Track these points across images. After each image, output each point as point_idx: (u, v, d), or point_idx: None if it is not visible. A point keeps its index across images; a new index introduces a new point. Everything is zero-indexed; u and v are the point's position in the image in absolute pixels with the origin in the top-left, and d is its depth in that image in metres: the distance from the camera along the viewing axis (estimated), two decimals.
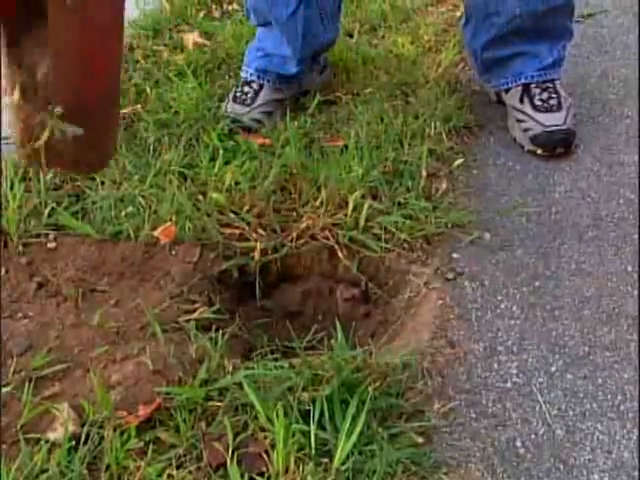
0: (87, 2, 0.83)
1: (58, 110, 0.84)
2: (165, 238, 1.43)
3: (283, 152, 1.62)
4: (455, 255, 1.46)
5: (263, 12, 1.77)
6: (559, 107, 1.72)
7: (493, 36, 1.74)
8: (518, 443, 1.16)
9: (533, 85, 1.76)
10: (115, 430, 1.11)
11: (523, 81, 1.76)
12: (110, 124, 0.93)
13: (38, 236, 1.45)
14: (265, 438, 1.10)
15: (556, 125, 1.69)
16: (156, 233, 1.45)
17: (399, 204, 1.52)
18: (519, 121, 1.73)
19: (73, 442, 1.10)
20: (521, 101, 1.75)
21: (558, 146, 1.69)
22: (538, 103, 1.73)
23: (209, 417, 1.15)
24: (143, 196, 1.53)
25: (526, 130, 1.71)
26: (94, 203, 1.54)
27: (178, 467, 1.09)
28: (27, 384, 1.17)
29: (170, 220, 1.48)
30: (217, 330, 1.26)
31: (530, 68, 1.76)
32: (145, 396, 1.16)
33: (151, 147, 1.67)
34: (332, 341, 1.22)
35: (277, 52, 1.80)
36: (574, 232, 1.52)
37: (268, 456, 1.08)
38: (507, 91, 1.80)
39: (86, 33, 0.85)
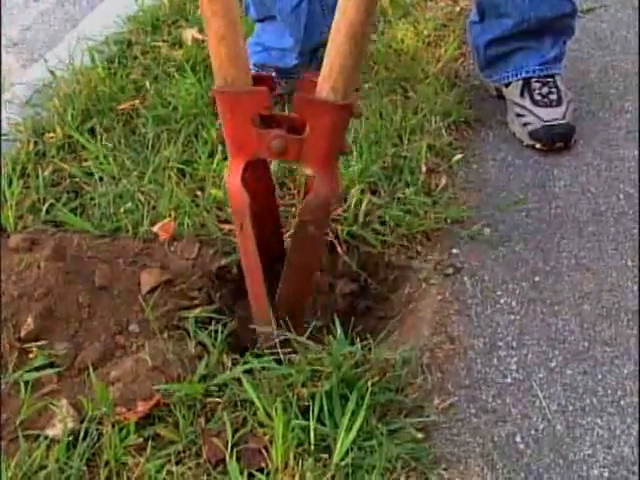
0: (321, 230, 1.13)
1: None
2: (164, 234, 1.43)
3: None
4: (455, 250, 1.46)
5: (266, 5, 1.77)
6: (559, 102, 1.72)
7: (499, 35, 1.75)
8: (518, 438, 1.15)
9: (534, 79, 1.76)
10: (114, 426, 1.11)
11: (524, 75, 1.76)
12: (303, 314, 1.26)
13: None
14: (264, 434, 1.10)
15: (555, 120, 1.69)
16: (155, 229, 1.45)
17: (398, 199, 1.51)
18: (519, 115, 1.73)
19: (72, 438, 1.10)
20: (521, 95, 1.75)
21: (557, 141, 1.69)
22: (538, 98, 1.73)
23: (208, 413, 1.15)
24: (142, 192, 1.53)
25: (525, 125, 1.71)
26: (93, 199, 1.54)
27: (177, 463, 1.09)
28: (26, 380, 1.17)
29: (169, 216, 1.47)
30: (216, 326, 1.26)
31: (532, 62, 1.76)
32: (144, 392, 1.16)
33: (150, 143, 1.67)
34: (331, 337, 1.21)
35: (276, 45, 1.79)
36: (574, 227, 1.52)
37: (267, 452, 1.08)
38: (507, 85, 1.80)
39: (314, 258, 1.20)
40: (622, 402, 1.20)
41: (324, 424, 1.11)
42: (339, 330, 1.22)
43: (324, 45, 1.85)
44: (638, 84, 1.88)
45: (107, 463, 1.08)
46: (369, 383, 1.14)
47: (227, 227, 1.46)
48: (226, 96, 1.07)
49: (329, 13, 1.77)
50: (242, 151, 1.10)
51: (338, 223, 1.46)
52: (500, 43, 1.76)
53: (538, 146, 1.70)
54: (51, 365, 1.21)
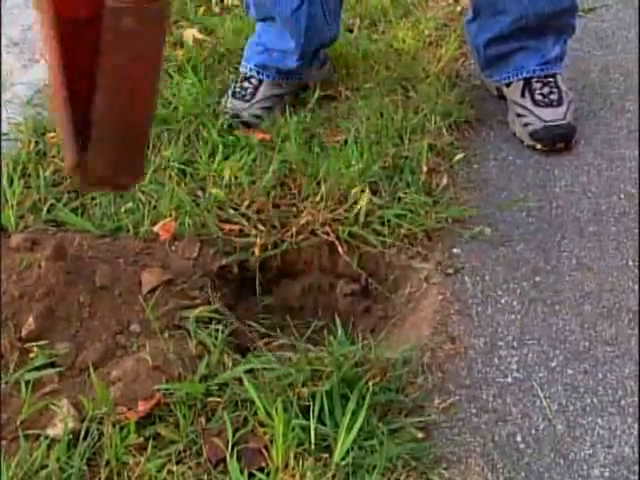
0: (138, 32, 0.89)
1: None
2: (165, 233, 1.43)
3: (283, 147, 1.62)
4: (455, 250, 1.46)
5: (266, 7, 1.76)
6: (560, 102, 1.72)
7: (498, 33, 1.74)
8: (518, 438, 1.15)
9: (534, 79, 1.75)
10: (115, 426, 1.11)
11: (525, 75, 1.76)
12: (143, 147, 1.00)
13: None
14: (265, 433, 1.10)
15: (556, 120, 1.68)
16: (156, 229, 1.45)
17: (399, 199, 1.51)
18: (519, 116, 1.73)
19: (73, 438, 1.10)
20: (522, 95, 1.75)
21: (557, 141, 1.68)
22: (539, 98, 1.73)
23: (209, 413, 1.15)
24: (143, 192, 1.53)
25: (526, 125, 1.71)
26: (93, 199, 1.54)
27: (178, 462, 1.09)
28: (27, 380, 1.18)
29: (170, 216, 1.47)
30: (217, 326, 1.26)
31: (532, 62, 1.75)
32: (145, 392, 1.16)
33: (150, 143, 1.67)
34: (332, 336, 1.22)
35: (277, 47, 1.79)
36: (575, 227, 1.52)
37: (268, 451, 1.08)
38: (508, 85, 1.79)
39: (133, 60, 0.92)
40: (623, 402, 1.20)
41: (324, 424, 1.11)
42: (340, 330, 1.23)
43: (325, 46, 1.87)
44: (639, 84, 1.88)
45: (108, 463, 1.08)
46: (370, 383, 1.14)
47: (228, 227, 1.47)
48: None
49: (330, 16, 1.78)
50: None
51: (339, 223, 1.46)
52: (500, 42, 1.76)
53: (539, 147, 1.69)
54: (52, 365, 1.21)
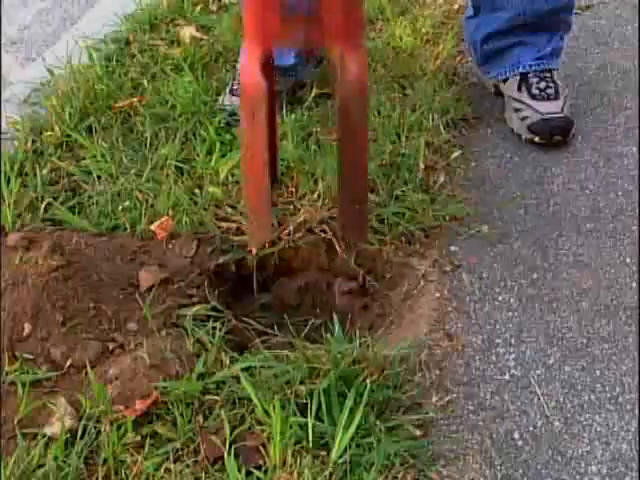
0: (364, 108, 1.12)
1: None
2: (162, 232, 1.43)
3: (280, 145, 1.62)
4: (453, 248, 1.46)
5: None
6: (557, 96, 1.72)
7: (495, 30, 1.75)
8: (516, 435, 1.16)
9: (531, 74, 1.76)
10: (112, 424, 1.11)
11: (521, 70, 1.76)
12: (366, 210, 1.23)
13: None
14: (262, 431, 1.10)
15: (554, 113, 1.69)
16: (153, 227, 1.45)
17: (397, 197, 1.51)
18: (517, 110, 1.73)
19: (70, 436, 1.11)
20: (519, 90, 1.75)
21: (555, 134, 1.68)
22: (535, 92, 1.73)
23: (206, 411, 1.15)
24: (140, 190, 1.53)
25: (524, 118, 1.71)
26: (91, 198, 1.54)
27: (175, 461, 1.09)
28: (24, 379, 1.17)
29: (167, 214, 1.47)
30: (214, 324, 1.26)
31: (528, 57, 1.76)
32: (142, 390, 1.16)
33: (148, 141, 1.66)
34: (329, 334, 1.21)
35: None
36: (572, 224, 1.51)
37: (265, 449, 1.08)
38: (505, 81, 1.79)
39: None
40: (620, 399, 1.20)
41: (322, 421, 1.11)
42: (337, 327, 1.23)
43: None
44: (638, 81, 1.88)
45: (105, 461, 1.08)
46: (367, 380, 1.14)
47: (225, 225, 1.46)
48: None
49: None
50: (263, 37, 1.09)
51: (336, 221, 1.45)
52: (497, 38, 1.76)
53: (537, 139, 1.69)
54: (49, 363, 1.21)
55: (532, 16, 1.70)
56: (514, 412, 1.18)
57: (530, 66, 1.76)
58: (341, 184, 1.16)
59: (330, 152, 1.59)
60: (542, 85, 1.74)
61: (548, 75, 1.76)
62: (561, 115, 1.69)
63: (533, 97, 1.72)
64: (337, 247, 1.43)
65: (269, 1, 1.06)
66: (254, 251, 1.41)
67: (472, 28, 1.81)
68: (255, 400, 1.12)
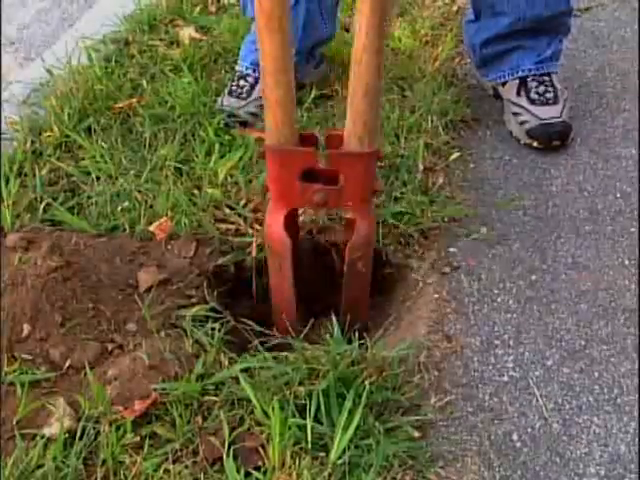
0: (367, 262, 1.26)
1: None
2: (161, 233, 1.43)
3: None
4: (452, 249, 1.46)
5: None
6: (555, 100, 1.72)
7: (495, 34, 1.75)
8: (515, 437, 1.16)
9: (530, 78, 1.76)
10: (111, 425, 1.11)
11: (520, 74, 1.76)
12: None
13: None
14: (261, 432, 1.10)
15: (552, 118, 1.69)
16: (151, 228, 1.45)
17: (396, 198, 1.51)
18: (515, 114, 1.73)
19: (69, 437, 1.10)
20: (518, 94, 1.75)
21: (554, 139, 1.69)
22: (534, 96, 1.73)
23: (205, 412, 1.15)
24: (139, 191, 1.53)
25: (522, 123, 1.71)
26: (90, 198, 1.54)
27: (174, 462, 1.09)
28: (23, 379, 1.17)
29: (166, 215, 1.47)
30: (213, 325, 1.26)
31: (527, 61, 1.76)
32: (141, 391, 1.16)
33: (147, 142, 1.67)
34: (328, 335, 1.21)
35: None
36: (571, 226, 1.52)
37: (264, 450, 1.08)
38: (504, 84, 1.80)
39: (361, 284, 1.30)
40: (618, 400, 1.20)
41: (321, 423, 1.11)
42: (336, 328, 1.23)
43: (321, 44, 1.87)
44: (638, 84, 1.88)
45: (104, 462, 1.08)
46: (366, 382, 1.14)
47: (224, 226, 1.47)
48: (278, 154, 1.18)
49: (327, 14, 1.78)
50: (286, 201, 1.21)
51: (335, 222, 1.46)
52: (496, 42, 1.76)
53: (535, 144, 1.70)
54: (48, 364, 1.21)
55: (532, 21, 1.70)
56: (513, 413, 1.19)
57: (529, 70, 1.76)
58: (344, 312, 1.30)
59: None
60: (541, 89, 1.74)
61: (547, 79, 1.76)
62: (559, 120, 1.69)
63: (532, 102, 1.72)
64: (336, 248, 1.43)
65: (288, 169, 1.17)
66: (254, 252, 1.41)
67: (472, 32, 1.82)
68: (254, 401, 1.12)
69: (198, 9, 2.24)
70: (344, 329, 1.25)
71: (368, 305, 1.35)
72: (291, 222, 1.26)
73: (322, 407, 1.11)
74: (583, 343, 1.29)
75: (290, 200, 1.21)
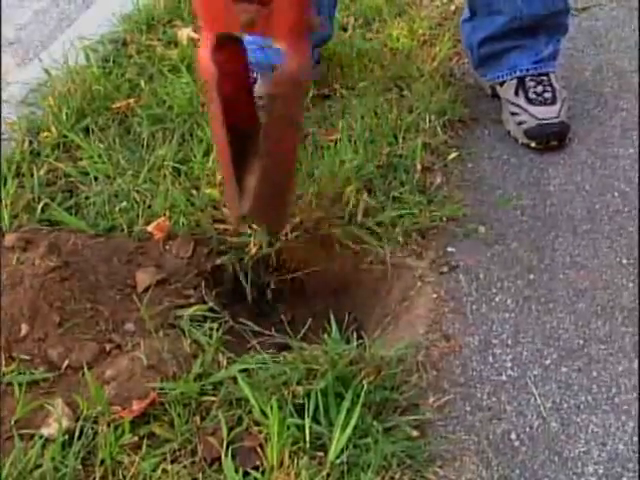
0: (292, 106, 1.12)
1: None
2: (159, 233, 1.43)
3: None
4: (450, 249, 1.46)
5: None
6: (553, 100, 1.72)
7: (492, 33, 1.75)
8: (513, 436, 1.16)
9: (528, 78, 1.76)
10: (109, 425, 1.11)
11: (518, 74, 1.76)
12: (288, 200, 1.26)
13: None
14: (260, 432, 1.10)
15: (550, 118, 1.69)
16: (149, 228, 1.44)
17: (394, 198, 1.51)
18: (513, 114, 1.73)
19: (67, 437, 1.10)
20: (516, 94, 1.75)
21: (552, 139, 1.69)
22: (532, 96, 1.73)
23: (203, 412, 1.15)
24: (137, 191, 1.53)
25: (520, 123, 1.71)
26: (88, 198, 1.54)
27: (173, 462, 1.09)
28: (21, 379, 1.17)
29: (164, 215, 1.47)
30: (211, 325, 1.26)
31: (525, 61, 1.76)
32: (139, 391, 1.16)
33: (145, 142, 1.66)
34: (327, 335, 1.22)
35: (271, 44, 1.78)
36: (569, 225, 1.52)
37: (263, 450, 1.08)
38: (502, 84, 1.80)
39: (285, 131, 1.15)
40: (617, 399, 1.20)
41: (319, 422, 1.11)
42: (334, 328, 1.23)
43: (319, 45, 1.87)
44: (638, 83, 1.88)
45: (102, 462, 1.08)
46: (364, 381, 1.14)
47: (222, 226, 1.46)
48: None
49: (324, 15, 1.78)
50: (213, 24, 1.12)
51: (333, 222, 1.46)
52: (494, 41, 1.76)
53: (533, 145, 1.70)
54: (46, 364, 1.21)
55: (529, 20, 1.70)
56: (511, 413, 1.19)
57: (527, 70, 1.76)
58: (262, 178, 1.16)
59: (328, 153, 1.59)
60: (539, 89, 1.74)
61: (545, 79, 1.76)
62: (557, 120, 1.69)
63: (530, 102, 1.72)
64: (334, 248, 1.43)
65: None
66: (253, 251, 1.41)
67: (469, 31, 1.81)
68: (252, 401, 1.12)
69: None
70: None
71: (289, 203, 1.24)
72: (230, 56, 1.16)
73: (320, 407, 1.11)
74: (581, 342, 1.29)
75: (218, 23, 1.11)
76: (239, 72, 1.22)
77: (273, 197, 1.19)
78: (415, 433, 1.13)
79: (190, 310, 1.29)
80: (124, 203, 1.51)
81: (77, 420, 1.13)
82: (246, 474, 1.07)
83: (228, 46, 1.15)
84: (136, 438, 1.11)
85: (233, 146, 1.15)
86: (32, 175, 1.57)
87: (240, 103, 1.20)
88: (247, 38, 1.84)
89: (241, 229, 1.28)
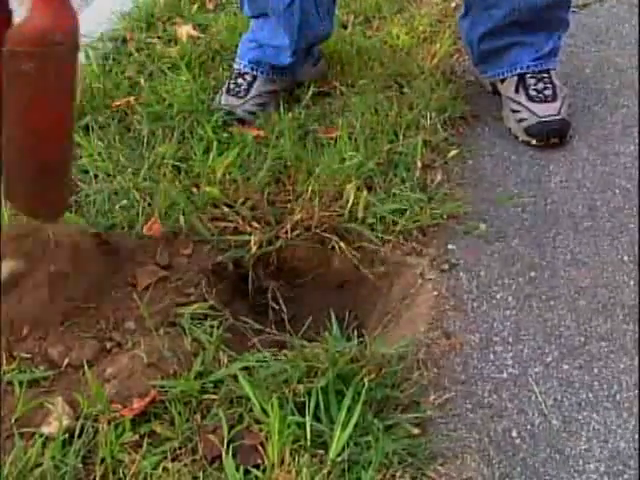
0: (38, 74, 0.91)
1: None
2: (150, 233, 1.42)
3: (277, 144, 1.62)
4: (450, 246, 1.46)
5: (259, 3, 1.76)
6: (554, 98, 1.72)
7: (491, 28, 1.74)
8: (514, 433, 1.16)
9: (529, 75, 1.75)
10: (110, 423, 1.11)
11: (519, 71, 1.76)
12: (60, 183, 1.02)
13: None
14: (260, 430, 1.10)
15: (551, 115, 1.69)
16: (144, 230, 1.44)
17: (394, 195, 1.51)
18: (514, 111, 1.73)
19: (67, 436, 1.10)
20: (516, 91, 1.75)
21: (552, 136, 1.69)
22: (533, 93, 1.73)
23: (204, 410, 1.15)
24: (137, 189, 1.53)
25: (521, 120, 1.71)
26: (88, 196, 1.53)
27: (173, 460, 1.08)
28: (21, 378, 1.17)
29: (164, 213, 1.47)
30: (212, 322, 1.26)
31: (526, 58, 1.75)
32: (140, 389, 1.15)
33: (145, 140, 1.66)
34: (327, 333, 1.21)
35: (271, 43, 1.79)
36: (569, 222, 1.52)
37: (263, 448, 1.08)
38: (502, 81, 1.79)
39: (36, 101, 0.93)
40: (618, 397, 1.20)
41: (320, 420, 1.11)
42: (335, 326, 1.22)
43: (319, 42, 1.86)
44: (638, 80, 1.88)
45: (103, 460, 1.08)
46: (365, 379, 1.14)
47: (222, 224, 1.46)
48: None
49: (324, 12, 1.78)
50: None
51: (333, 219, 1.45)
52: (493, 37, 1.75)
53: (533, 142, 1.70)
54: (46, 362, 1.21)
55: (527, 12, 1.68)
56: (512, 410, 1.18)
57: (528, 67, 1.75)
58: (13, 152, 0.97)
59: (328, 151, 1.59)
60: (540, 86, 1.74)
61: (546, 76, 1.75)
62: (558, 118, 1.69)
63: (530, 99, 1.72)
64: (335, 246, 1.43)
65: None
66: (254, 249, 1.41)
67: (468, 27, 1.81)
68: (253, 399, 1.12)
69: (196, 7, 2.24)
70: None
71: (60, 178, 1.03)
72: None
73: (321, 405, 1.11)
74: (582, 340, 1.29)
75: None
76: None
77: (37, 181, 1.01)
78: (416, 431, 1.13)
79: (191, 308, 1.29)
80: (124, 201, 1.51)
81: (77, 418, 1.12)
82: (247, 472, 1.07)
83: None
84: (137, 436, 1.10)
85: None
86: None
87: None
88: (247, 37, 1.86)
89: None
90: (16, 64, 0.93)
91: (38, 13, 0.94)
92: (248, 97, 1.79)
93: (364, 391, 1.11)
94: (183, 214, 1.46)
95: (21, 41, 0.93)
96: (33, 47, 0.93)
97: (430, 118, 1.70)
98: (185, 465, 1.08)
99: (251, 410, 1.12)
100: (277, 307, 1.42)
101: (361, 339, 1.23)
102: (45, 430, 1.11)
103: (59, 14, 0.95)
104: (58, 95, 0.97)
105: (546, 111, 1.69)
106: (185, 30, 2.08)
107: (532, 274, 1.41)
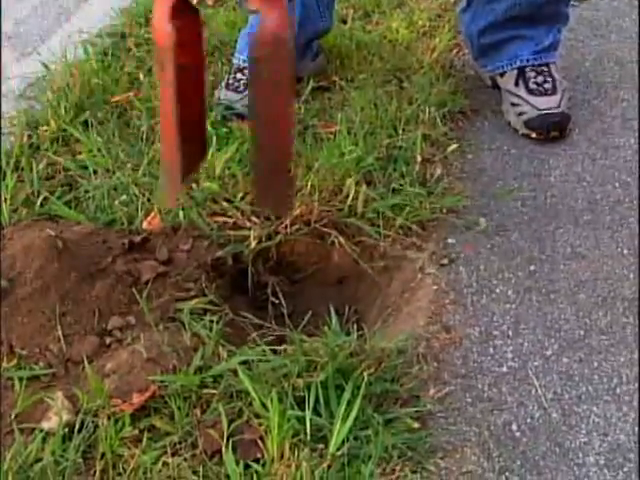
0: (276, 72, 1.04)
1: None
2: (149, 227, 1.42)
3: None
4: (450, 240, 1.46)
5: None
6: (554, 91, 1.71)
7: (492, 21, 1.74)
8: (514, 427, 1.16)
9: (528, 68, 1.75)
10: (109, 418, 1.11)
11: (519, 64, 1.76)
12: (291, 177, 1.13)
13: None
14: (260, 425, 1.10)
15: (551, 109, 1.68)
16: (144, 225, 1.44)
17: (394, 190, 1.51)
18: (514, 105, 1.73)
19: (67, 431, 1.10)
20: (516, 85, 1.74)
21: (552, 130, 1.68)
22: (533, 87, 1.73)
23: (204, 404, 1.15)
24: (136, 184, 1.53)
25: (520, 114, 1.71)
26: (87, 192, 1.53)
27: (173, 454, 1.09)
28: (21, 374, 1.17)
29: (160, 211, 1.47)
30: (211, 317, 1.26)
31: (526, 51, 1.75)
32: (139, 384, 1.16)
33: (144, 135, 1.66)
34: (326, 327, 1.21)
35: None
36: (569, 216, 1.51)
37: (263, 442, 1.08)
38: (502, 75, 1.79)
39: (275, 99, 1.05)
40: (618, 390, 1.20)
41: (320, 414, 1.11)
42: (334, 320, 1.22)
43: (318, 37, 1.86)
44: (638, 74, 1.88)
45: (103, 455, 1.08)
46: (365, 373, 1.14)
47: (222, 219, 1.46)
48: None
49: (323, 7, 1.77)
50: None
51: (333, 214, 1.45)
52: (493, 31, 1.75)
53: (533, 135, 1.69)
54: (46, 357, 1.21)
55: (528, 6, 1.68)
56: (512, 404, 1.18)
57: (528, 60, 1.75)
58: (258, 150, 1.08)
59: (327, 145, 1.58)
60: (539, 80, 1.74)
61: (546, 69, 1.75)
62: (558, 111, 1.69)
63: (530, 92, 1.72)
64: (334, 240, 1.43)
65: None
66: (253, 244, 1.41)
67: (468, 20, 1.81)
68: (253, 393, 1.12)
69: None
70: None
71: (289, 177, 1.12)
72: (185, 25, 1.09)
73: (321, 399, 1.11)
74: (582, 333, 1.29)
75: None
76: (194, 42, 1.12)
77: (272, 174, 1.09)
78: (416, 425, 1.13)
79: (190, 303, 1.29)
80: (123, 196, 1.51)
81: (77, 413, 1.12)
82: (247, 467, 1.07)
83: (184, 15, 1.08)
84: (136, 431, 1.10)
85: (181, 119, 1.06)
86: (31, 169, 1.57)
87: (191, 73, 1.10)
88: (246, 31, 1.85)
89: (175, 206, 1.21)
90: (259, 68, 1.03)
91: (269, 18, 1.02)
92: (247, 92, 1.78)
93: (364, 385, 1.11)
94: (182, 209, 1.46)
95: (261, 46, 1.02)
96: (272, 50, 1.03)
97: (429, 112, 1.69)
98: (185, 460, 1.08)
99: (251, 404, 1.12)
100: (276, 302, 1.42)
101: (361, 333, 1.23)
102: (45, 425, 1.11)
103: (284, 15, 1.04)
104: (287, 89, 1.07)
105: (546, 104, 1.69)
106: None
107: (532, 268, 1.41)
